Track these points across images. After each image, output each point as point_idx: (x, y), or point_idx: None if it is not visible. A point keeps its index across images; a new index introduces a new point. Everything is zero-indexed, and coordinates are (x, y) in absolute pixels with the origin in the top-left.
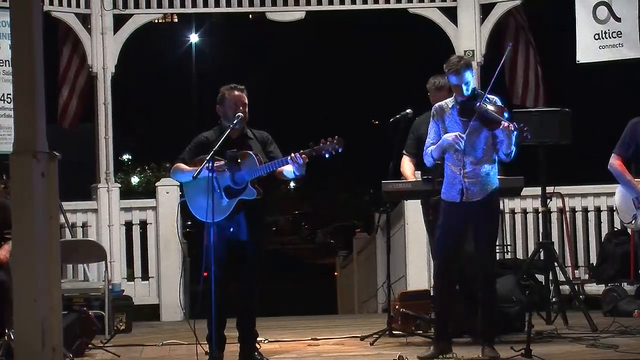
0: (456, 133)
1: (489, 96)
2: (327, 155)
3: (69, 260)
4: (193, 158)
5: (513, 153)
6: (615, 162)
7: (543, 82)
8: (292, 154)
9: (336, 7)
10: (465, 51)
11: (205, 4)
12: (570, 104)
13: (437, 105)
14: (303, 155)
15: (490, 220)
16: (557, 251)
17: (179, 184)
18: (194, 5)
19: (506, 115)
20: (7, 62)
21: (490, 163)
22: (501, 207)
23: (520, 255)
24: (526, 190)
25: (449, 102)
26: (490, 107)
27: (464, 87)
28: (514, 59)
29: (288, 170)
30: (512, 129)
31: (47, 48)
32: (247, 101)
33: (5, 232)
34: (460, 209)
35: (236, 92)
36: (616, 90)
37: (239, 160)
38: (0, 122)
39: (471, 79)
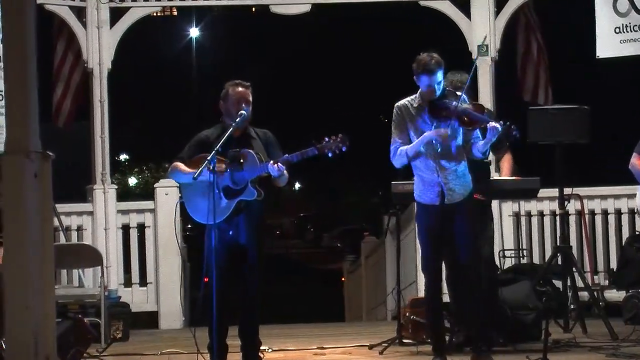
0: (441, 130)
1: (463, 95)
2: (330, 155)
3: (63, 265)
4: (192, 157)
5: (488, 151)
6: (636, 161)
7: (551, 84)
8: (272, 162)
9: None
10: (478, 46)
11: None
12: (589, 101)
13: (400, 104)
14: (276, 165)
15: (471, 221)
16: (576, 256)
17: (179, 185)
18: None
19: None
20: None
21: (464, 162)
22: (517, 209)
23: (536, 260)
24: (543, 192)
25: (412, 101)
26: (467, 106)
27: (436, 87)
28: (525, 55)
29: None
30: (499, 127)
31: (41, 43)
32: (251, 99)
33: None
34: (439, 212)
35: (240, 89)
36: (638, 87)
37: (241, 160)
38: None
39: (442, 78)
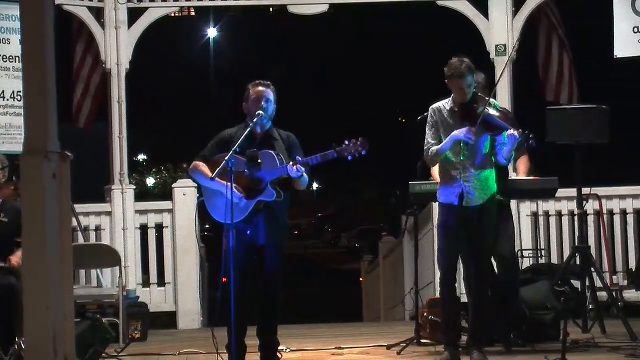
0: (466, 128)
1: (491, 100)
2: (349, 158)
3: (81, 265)
4: (214, 155)
5: (512, 157)
6: None
7: (577, 81)
8: (291, 163)
9: None
10: (496, 45)
11: None
12: (607, 101)
13: (434, 106)
14: (295, 166)
15: (489, 226)
16: (594, 256)
17: (196, 185)
18: None
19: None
20: (17, 58)
21: (490, 168)
22: (535, 209)
23: (555, 260)
24: (561, 192)
25: (446, 104)
26: (494, 112)
27: (467, 91)
28: (547, 54)
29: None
30: (518, 135)
31: (60, 43)
32: (272, 97)
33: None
34: (459, 212)
35: (259, 88)
36: None
37: (259, 160)
38: (10, 120)
39: (472, 82)
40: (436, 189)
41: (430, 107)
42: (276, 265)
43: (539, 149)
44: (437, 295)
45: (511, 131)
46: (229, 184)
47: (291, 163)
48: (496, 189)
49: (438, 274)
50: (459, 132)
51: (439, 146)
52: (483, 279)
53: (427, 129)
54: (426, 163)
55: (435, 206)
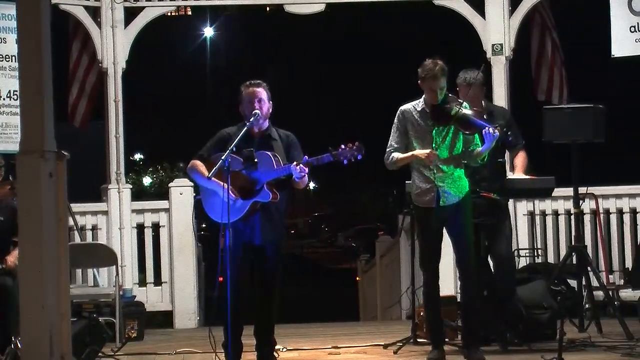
0: (428, 150)
1: (463, 101)
2: (345, 162)
3: (78, 264)
4: (212, 155)
5: (487, 158)
6: None
7: (567, 82)
8: (295, 163)
9: None
10: (493, 45)
11: None
12: (603, 100)
13: (403, 108)
14: (298, 166)
15: (466, 223)
16: (591, 255)
17: (193, 185)
18: None
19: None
20: (14, 57)
21: (460, 166)
22: (531, 208)
23: (551, 259)
24: (557, 191)
25: (416, 105)
26: (468, 112)
27: (439, 92)
28: (540, 55)
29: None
30: (497, 133)
31: (57, 42)
32: (265, 96)
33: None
34: (437, 214)
35: (250, 89)
36: None
37: (255, 160)
38: (6, 120)
39: (445, 84)
40: None
41: (399, 108)
42: (273, 266)
43: (534, 148)
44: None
45: (489, 129)
46: (225, 184)
47: (295, 163)
48: (469, 187)
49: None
50: (421, 154)
51: (400, 157)
52: (470, 278)
53: (392, 131)
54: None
55: None
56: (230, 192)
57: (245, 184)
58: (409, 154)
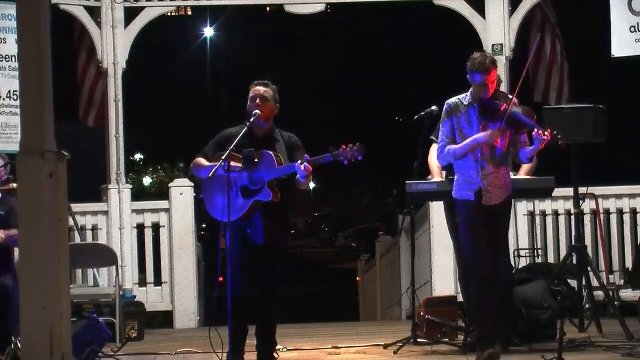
0: (490, 130)
1: (514, 98)
2: (345, 162)
3: (78, 264)
4: (215, 153)
5: (534, 157)
6: None
7: (569, 79)
8: (299, 162)
9: None
10: (493, 45)
11: None
12: (604, 100)
13: (450, 101)
14: (303, 165)
15: (504, 224)
16: (591, 255)
17: (193, 184)
18: None
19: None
20: (13, 57)
21: (508, 166)
22: (531, 208)
23: (551, 259)
24: (557, 191)
25: (464, 99)
26: (517, 110)
27: (490, 87)
28: (537, 54)
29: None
30: (546, 137)
31: (64, 44)
32: (269, 95)
33: None
34: (479, 209)
35: (254, 88)
36: None
37: (256, 160)
38: (6, 120)
39: (495, 77)
40: (432, 189)
41: (447, 101)
42: (275, 265)
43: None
44: (434, 294)
45: (539, 131)
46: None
47: (299, 162)
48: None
49: (435, 276)
50: (483, 136)
51: (458, 147)
52: (509, 276)
53: (441, 125)
54: (429, 159)
55: (432, 205)
56: (232, 164)
57: (247, 183)
58: (470, 139)
